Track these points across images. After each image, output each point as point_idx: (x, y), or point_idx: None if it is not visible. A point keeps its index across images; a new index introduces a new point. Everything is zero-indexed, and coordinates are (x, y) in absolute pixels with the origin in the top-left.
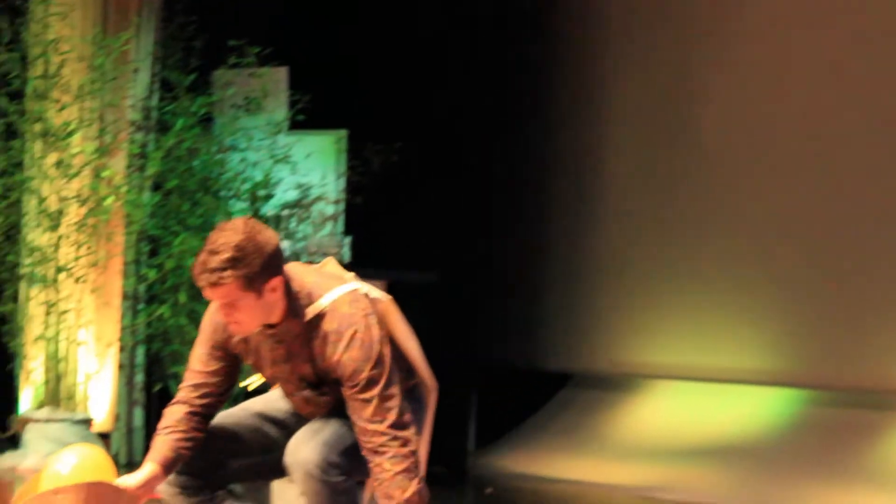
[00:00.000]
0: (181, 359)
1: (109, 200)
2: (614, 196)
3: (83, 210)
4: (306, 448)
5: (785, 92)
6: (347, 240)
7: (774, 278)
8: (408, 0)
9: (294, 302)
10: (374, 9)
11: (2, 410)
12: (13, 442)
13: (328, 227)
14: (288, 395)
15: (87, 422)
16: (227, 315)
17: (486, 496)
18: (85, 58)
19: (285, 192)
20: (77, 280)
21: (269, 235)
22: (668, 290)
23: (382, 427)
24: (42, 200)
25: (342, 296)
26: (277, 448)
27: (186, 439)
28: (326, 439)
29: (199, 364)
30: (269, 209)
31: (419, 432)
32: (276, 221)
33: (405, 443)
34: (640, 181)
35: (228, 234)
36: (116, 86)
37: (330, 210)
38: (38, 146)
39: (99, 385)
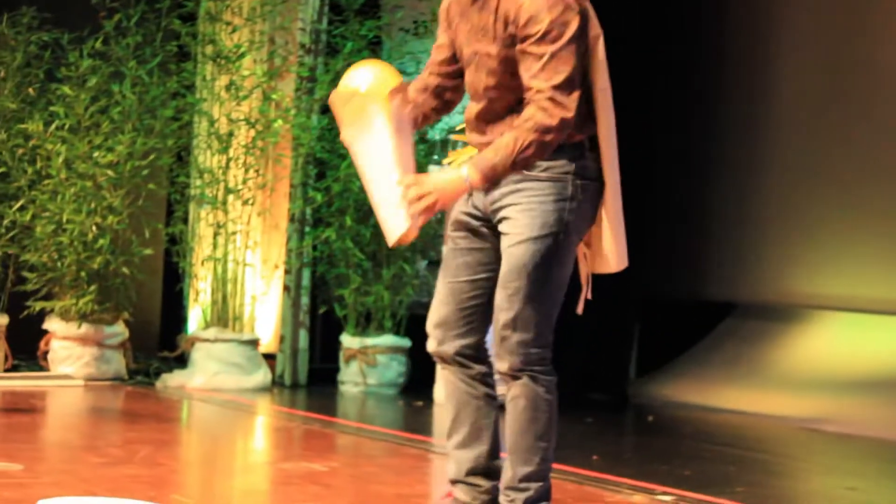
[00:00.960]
0: (346, 282)
1: (278, 123)
2: (783, 129)
3: (252, 132)
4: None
5: None
6: None
7: None
8: None
9: None
10: None
11: (171, 330)
12: (181, 361)
13: None
14: (474, 91)
15: (253, 342)
16: None
17: (647, 423)
18: None
19: (452, 117)
20: (245, 202)
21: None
22: (832, 220)
23: (546, 85)
24: (213, 122)
25: None
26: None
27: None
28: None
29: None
30: (435, 133)
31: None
32: (442, 145)
33: (561, 107)
34: (809, 116)
35: None
36: (287, 8)
37: None
38: (209, 68)
39: (265, 306)
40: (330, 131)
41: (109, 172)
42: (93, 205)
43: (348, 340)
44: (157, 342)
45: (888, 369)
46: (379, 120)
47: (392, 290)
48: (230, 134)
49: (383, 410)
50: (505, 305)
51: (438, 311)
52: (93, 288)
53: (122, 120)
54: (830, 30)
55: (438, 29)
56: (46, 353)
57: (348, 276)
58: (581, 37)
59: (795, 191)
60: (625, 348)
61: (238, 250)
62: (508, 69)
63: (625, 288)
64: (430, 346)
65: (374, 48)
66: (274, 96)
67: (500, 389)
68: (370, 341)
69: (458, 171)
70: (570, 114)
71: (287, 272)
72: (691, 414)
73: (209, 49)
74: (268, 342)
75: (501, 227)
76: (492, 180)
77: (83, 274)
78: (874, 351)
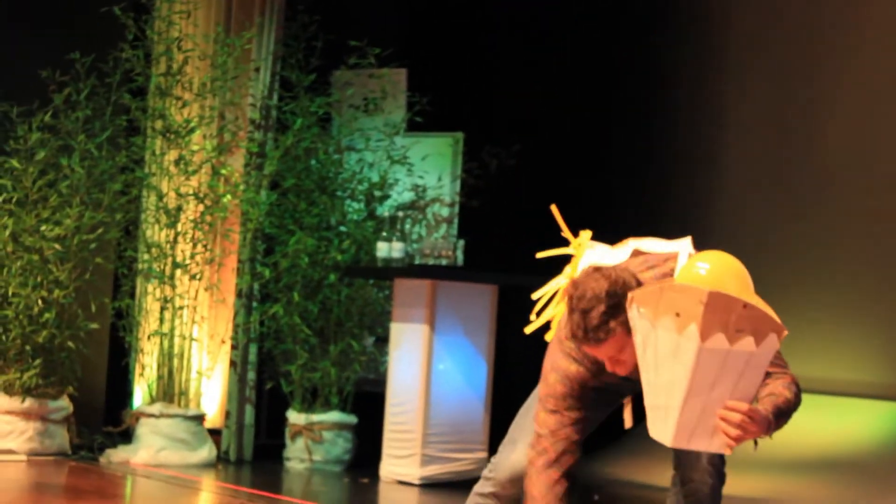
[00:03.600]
0: (293, 357)
1: (227, 198)
2: (734, 201)
3: (201, 207)
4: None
5: None
6: (461, 243)
7: (892, 291)
8: (524, 3)
9: None
10: (492, 11)
11: (116, 404)
12: (126, 436)
13: (443, 229)
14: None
15: (199, 418)
16: (612, 364)
17: (593, 502)
18: (207, 56)
19: (401, 194)
20: (193, 277)
21: (619, 271)
22: (784, 300)
23: None
24: (161, 197)
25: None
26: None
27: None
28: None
29: (556, 425)
30: (384, 210)
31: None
32: (391, 222)
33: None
34: (760, 189)
35: (592, 287)
36: (237, 84)
37: (445, 212)
38: (158, 143)
39: (211, 382)
40: (278, 206)
41: (56, 246)
42: (39, 278)
43: (294, 416)
44: (102, 417)
45: (838, 449)
46: (770, 342)
47: (339, 367)
48: (178, 208)
49: (329, 487)
50: None
51: None
52: (37, 362)
53: (71, 194)
54: (781, 106)
55: None
56: None
57: (295, 351)
58: None
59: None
60: None
61: (185, 325)
62: None
63: None
64: None
65: (323, 124)
66: (223, 171)
67: None
68: (316, 417)
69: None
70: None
71: (234, 347)
72: (637, 492)
73: (159, 124)
74: (213, 417)
75: None
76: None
77: (28, 348)
78: (823, 431)
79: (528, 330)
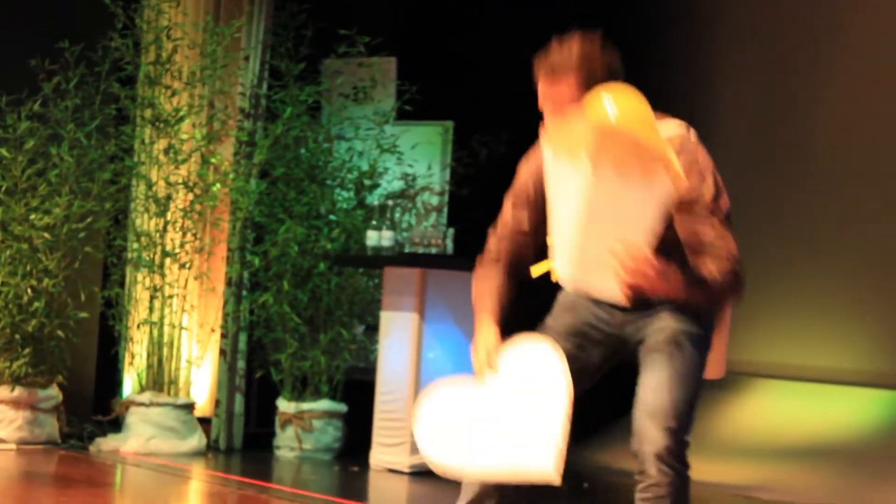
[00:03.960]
0: (282, 346)
1: (216, 187)
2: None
3: (190, 196)
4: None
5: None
6: (451, 231)
7: (880, 280)
8: None
9: None
10: (482, 1)
11: (105, 393)
12: (115, 425)
13: (432, 217)
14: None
15: (188, 406)
16: (545, 102)
17: (583, 490)
18: (196, 45)
19: (391, 183)
20: (182, 266)
21: (613, 53)
22: (770, 288)
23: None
24: (150, 186)
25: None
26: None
27: (506, 289)
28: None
29: (507, 215)
30: (374, 199)
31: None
32: (380, 211)
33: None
34: (749, 180)
35: (577, 42)
36: (226, 73)
37: (434, 201)
38: (148, 132)
39: (201, 371)
40: (268, 195)
41: (46, 235)
42: (28, 267)
43: (284, 405)
44: (92, 406)
45: (824, 437)
46: (663, 177)
47: (328, 355)
48: (168, 197)
49: (319, 476)
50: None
51: None
52: (27, 351)
53: (60, 182)
54: (765, 109)
55: None
56: None
57: (285, 340)
58: None
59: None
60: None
61: (174, 314)
62: None
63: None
64: None
65: (313, 113)
66: (212, 160)
67: None
68: (306, 406)
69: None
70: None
71: (223, 336)
72: (627, 480)
73: (148, 112)
74: (203, 406)
75: None
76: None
77: (17, 337)
78: (810, 419)
79: (535, 272)
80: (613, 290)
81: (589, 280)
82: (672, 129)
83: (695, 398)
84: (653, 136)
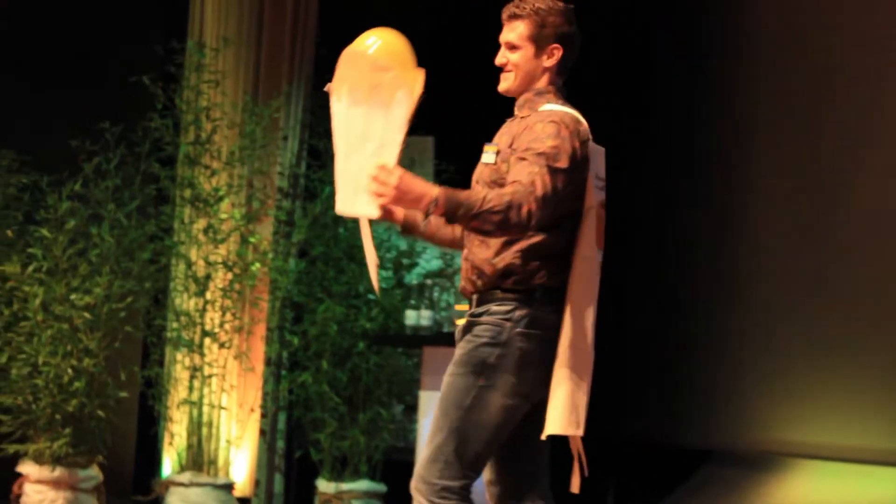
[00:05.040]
0: (322, 426)
1: (255, 266)
2: (760, 263)
3: (229, 275)
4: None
5: None
6: None
7: None
8: None
9: (541, 90)
10: None
11: (145, 473)
12: None
13: None
14: None
15: (228, 487)
16: (502, 59)
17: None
18: (235, 125)
19: (429, 262)
20: (221, 345)
21: (569, 22)
22: (810, 366)
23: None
24: (190, 265)
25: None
26: None
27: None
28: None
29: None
30: (412, 278)
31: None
32: (419, 290)
33: (533, 206)
34: (789, 248)
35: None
36: (265, 153)
37: None
38: (187, 212)
39: (240, 450)
40: (307, 274)
41: (86, 315)
42: (69, 347)
43: (324, 485)
44: (131, 486)
45: None
46: (403, 99)
47: (368, 435)
48: (207, 277)
49: None
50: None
51: None
52: (67, 431)
53: (100, 262)
54: (808, 172)
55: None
56: (19, 496)
57: (324, 420)
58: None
59: (772, 335)
60: (601, 495)
61: (214, 394)
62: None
63: (600, 433)
64: None
65: None
66: (252, 239)
67: None
68: (346, 486)
69: (431, 189)
70: (531, 221)
71: (263, 416)
72: None
73: (188, 192)
74: (243, 486)
75: None
76: (450, 216)
77: (58, 416)
78: (852, 500)
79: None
80: (371, 209)
81: (353, 203)
82: (551, 109)
83: (459, 437)
84: (399, 68)
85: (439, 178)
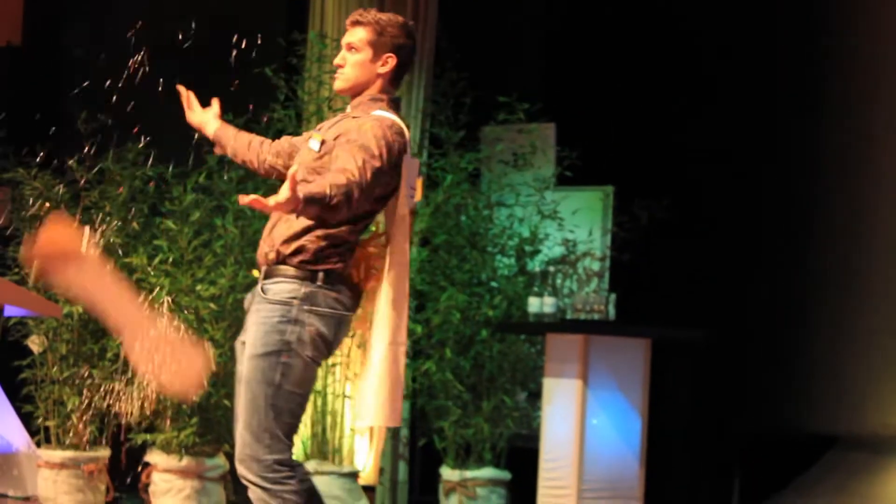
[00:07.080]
0: (445, 414)
1: None
2: (886, 244)
3: None
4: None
5: None
6: (613, 297)
7: None
8: (676, 55)
9: (375, 97)
10: (642, 65)
11: None
12: None
13: (594, 283)
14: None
15: (353, 475)
16: (341, 61)
17: None
18: None
19: (552, 248)
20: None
21: (409, 40)
22: None
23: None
24: None
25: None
26: None
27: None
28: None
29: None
30: (535, 265)
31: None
32: (542, 277)
33: (353, 189)
34: None
35: (385, 12)
36: None
37: (596, 266)
38: None
39: (364, 439)
40: (430, 263)
41: (212, 305)
42: (195, 338)
43: (448, 473)
44: None
45: None
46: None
47: (492, 423)
48: None
49: None
50: (241, 416)
51: None
52: (194, 420)
53: (225, 253)
54: None
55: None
56: (147, 485)
57: (448, 408)
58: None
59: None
60: (726, 483)
61: (338, 383)
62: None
63: (725, 423)
64: None
65: (473, 180)
66: (373, 228)
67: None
68: (470, 474)
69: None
70: (349, 207)
71: None
72: None
73: None
74: (367, 474)
75: None
76: (313, 215)
77: (185, 406)
78: None
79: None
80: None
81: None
82: (382, 115)
83: (274, 411)
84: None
85: (561, 165)
